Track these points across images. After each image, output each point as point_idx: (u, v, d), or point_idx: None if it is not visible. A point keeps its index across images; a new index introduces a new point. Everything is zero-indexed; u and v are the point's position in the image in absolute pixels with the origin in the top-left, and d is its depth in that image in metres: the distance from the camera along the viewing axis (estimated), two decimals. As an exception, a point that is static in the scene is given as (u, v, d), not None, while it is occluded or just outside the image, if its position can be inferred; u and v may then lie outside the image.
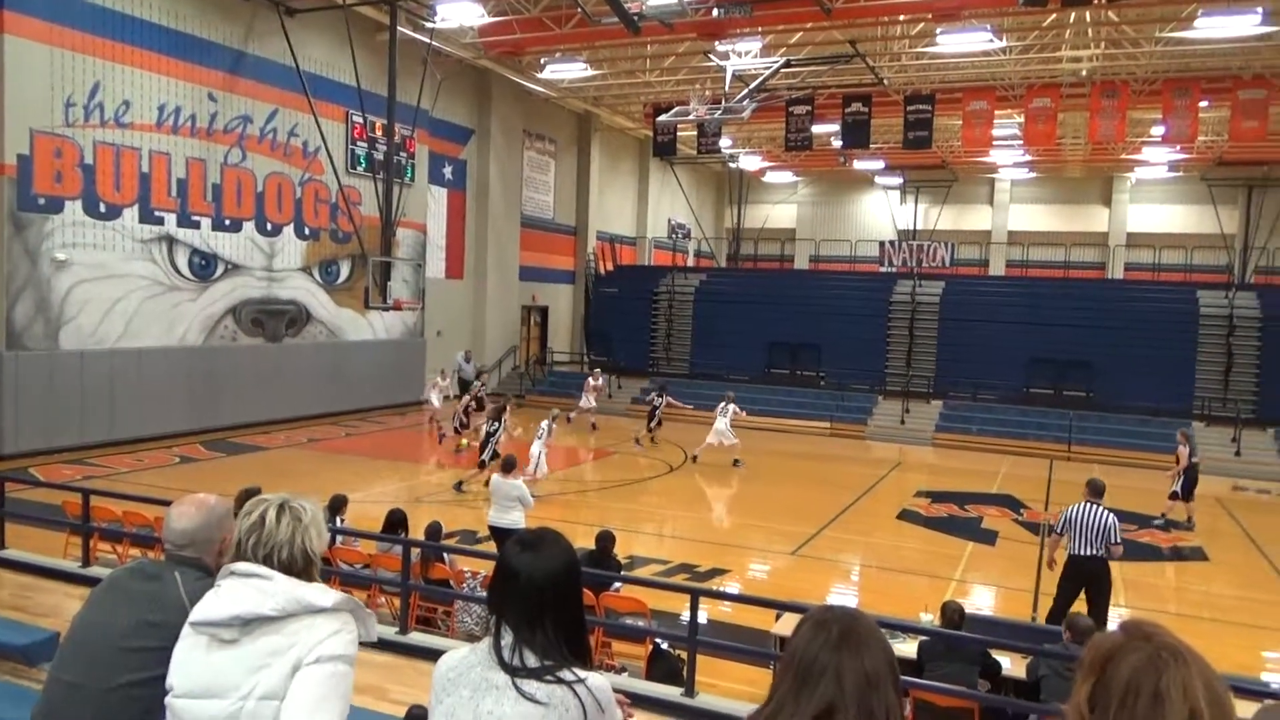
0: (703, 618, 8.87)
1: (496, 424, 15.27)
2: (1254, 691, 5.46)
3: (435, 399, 20.51)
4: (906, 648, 6.95)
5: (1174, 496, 14.99)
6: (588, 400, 22.23)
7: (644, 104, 29.52)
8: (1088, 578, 8.83)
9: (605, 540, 8.34)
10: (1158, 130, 25.16)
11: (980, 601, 11.08)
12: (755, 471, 18.23)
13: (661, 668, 7.18)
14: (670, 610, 8.35)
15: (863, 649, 1.69)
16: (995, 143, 27.17)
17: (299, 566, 2.27)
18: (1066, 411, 22.98)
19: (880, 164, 34.73)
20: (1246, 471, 20.28)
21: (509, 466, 10.17)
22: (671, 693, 5.95)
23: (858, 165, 34.74)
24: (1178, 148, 28.33)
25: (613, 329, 30.09)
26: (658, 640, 7.45)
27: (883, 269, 32.47)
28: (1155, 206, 35.68)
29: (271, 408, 20.09)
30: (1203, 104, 23.09)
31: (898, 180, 37.69)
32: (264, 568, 2.22)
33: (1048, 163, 34.30)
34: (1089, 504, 8.99)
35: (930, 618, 7.65)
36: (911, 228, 37.61)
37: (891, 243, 34.84)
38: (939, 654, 6.58)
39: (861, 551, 13.31)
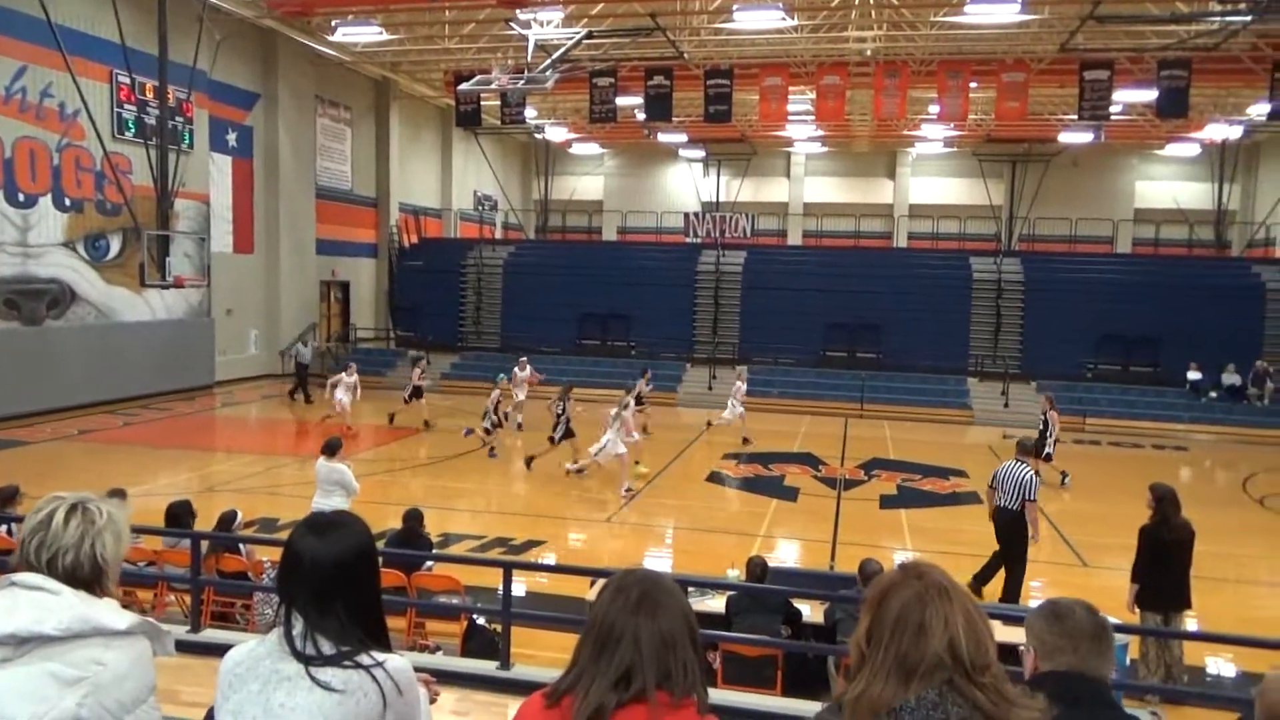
0: (520, 590, 8.88)
1: (564, 404, 15.48)
2: (1017, 618, 6.01)
3: (344, 396, 18.18)
4: (715, 603, 7.21)
5: (1048, 459, 15.10)
6: (520, 394, 20.13)
7: (445, 72, 28.68)
8: (1000, 525, 9.36)
9: (412, 519, 8.12)
10: (935, 109, 27.03)
11: (784, 555, 11.64)
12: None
13: (477, 643, 7.10)
14: (487, 585, 8.23)
15: (659, 611, 1.73)
16: (790, 117, 28.31)
17: (84, 573, 2.02)
18: (859, 372, 24.51)
19: (683, 137, 35.43)
20: (1014, 421, 22.31)
21: (331, 450, 9.64)
22: (487, 667, 5.87)
23: (662, 138, 35.29)
24: (952, 125, 30.60)
25: (419, 303, 29.25)
26: (473, 616, 7.34)
27: (688, 240, 33.26)
28: (933, 179, 38.47)
29: (33, 398, 18.18)
30: (972, 85, 25.02)
31: (700, 153, 38.65)
32: (51, 581, 1.97)
33: (838, 137, 36.17)
34: (1015, 461, 9.53)
35: (736, 573, 7.95)
36: (714, 199, 38.72)
37: (696, 214, 35.70)
38: (745, 607, 6.86)
39: (674, 514, 13.66)
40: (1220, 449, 20.56)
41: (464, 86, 21.51)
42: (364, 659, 1.95)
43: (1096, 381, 24.29)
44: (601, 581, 2.15)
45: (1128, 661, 6.01)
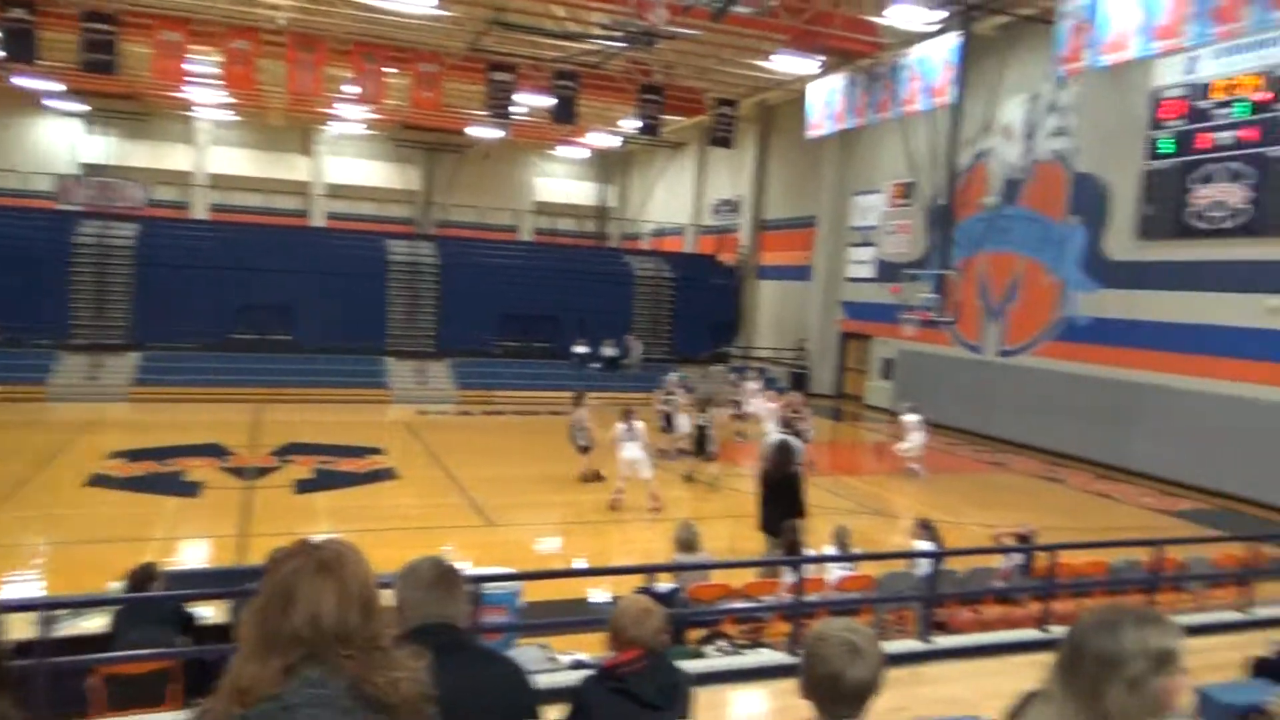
0: None
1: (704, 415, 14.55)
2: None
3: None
4: (96, 623, 6.24)
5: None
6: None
7: None
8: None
9: None
10: (351, 89, 26.75)
11: (188, 555, 10.51)
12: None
13: None
14: None
15: None
16: (191, 79, 25.72)
17: None
18: (273, 355, 23.28)
19: (57, 85, 30.09)
20: (430, 397, 23.27)
21: None
22: None
23: (22, 83, 29.49)
24: (369, 108, 30.60)
25: None
26: None
27: (64, 207, 28.38)
28: (352, 160, 38.22)
29: None
30: (390, 70, 25.24)
31: (79, 107, 33.24)
32: None
33: (250, 107, 33.89)
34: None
35: (120, 585, 6.91)
36: (99, 162, 33.64)
37: (76, 178, 30.65)
38: (131, 621, 6.00)
39: (44, 529, 11.45)
40: (603, 411, 23.71)
41: None
42: None
43: (503, 357, 26.40)
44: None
45: (518, 604, 6.51)
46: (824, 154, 27.38)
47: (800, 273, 29.06)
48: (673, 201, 37.28)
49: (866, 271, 26.37)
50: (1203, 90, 16.37)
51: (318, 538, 1.81)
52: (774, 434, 11.12)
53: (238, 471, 14.19)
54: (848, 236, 27.25)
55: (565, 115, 26.10)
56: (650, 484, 13.03)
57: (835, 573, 7.99)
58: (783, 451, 9.86)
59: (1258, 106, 15.46)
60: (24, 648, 4.53)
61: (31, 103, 32.95)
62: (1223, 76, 16.02)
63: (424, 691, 1.72)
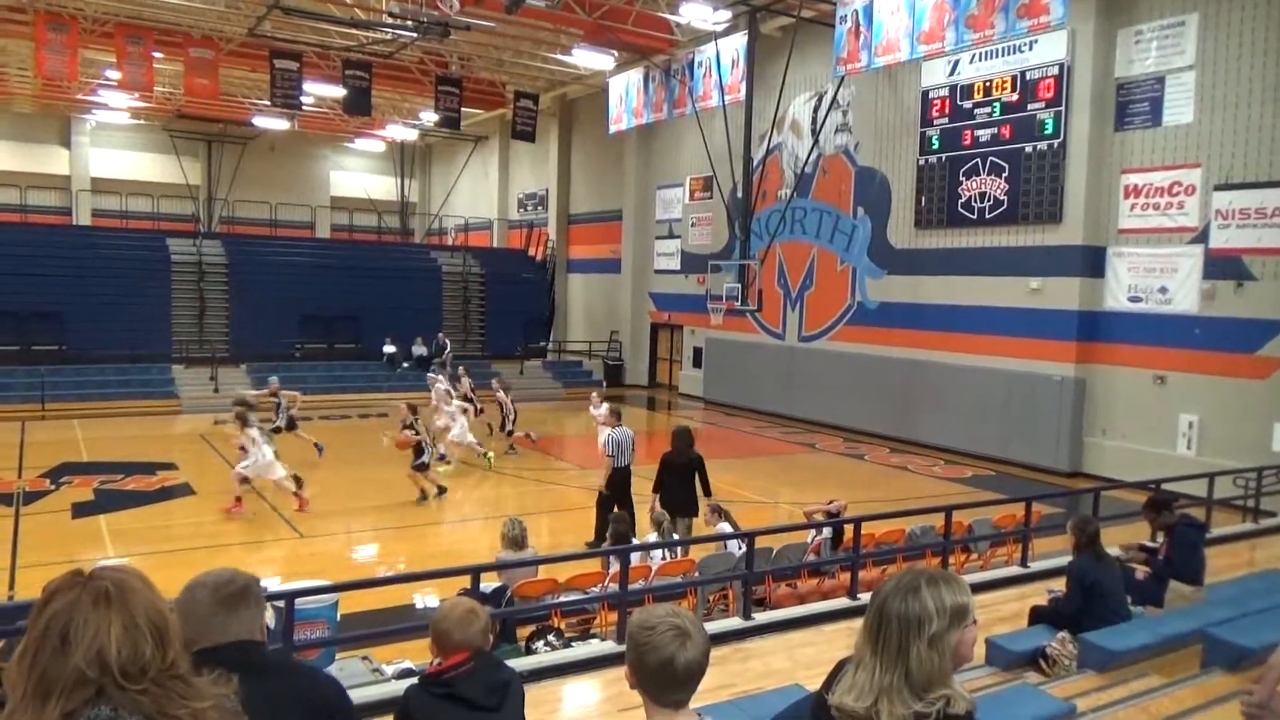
0: None
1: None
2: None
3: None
4: None
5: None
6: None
7: None
8: (627, 483, 10.86)
9: None
10: (114, 75, 24.55)
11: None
12: None
13: None
14: None
15: None
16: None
17: None
18: (37, 367, 21.07)
19: None
20: (225, 405, 21.57)
21: None
22: None
23: None
24: (136, 95, 28.21)
25: None
26: None
27: None
28: (120, 152, 35.11)
29: None
30: (157, 55, 23.33)
31: None
32: None
33: (-8, 92, 30.50)
34: (622, 428, 11.21)
35: None
36: None
37: None
38: None
39: None
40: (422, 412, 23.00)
41: None
42: None
43: (305, 360, 25.10)
44: None
45: (337, 617, 6.23)
46: (626, 148, 27.78)
47: (610, 265, 29.39)
48: (477, 196, 36.72)
49: (673, 263, 27.03)
50: (964, 91, 17.89)
51: (100, 564, 1.67)
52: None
53: (3, 498, 12.74)
54: (653, 229, 27.82)
55: (358, 106, 25.12)
56: (285, 483, 12.66)
57: (655, 558, 8.16)
58: (684, 437, 10.55)
59: (1009, 106, 17.07)
60: None
61: None
62: (980, 78, 17.57)
63: None
